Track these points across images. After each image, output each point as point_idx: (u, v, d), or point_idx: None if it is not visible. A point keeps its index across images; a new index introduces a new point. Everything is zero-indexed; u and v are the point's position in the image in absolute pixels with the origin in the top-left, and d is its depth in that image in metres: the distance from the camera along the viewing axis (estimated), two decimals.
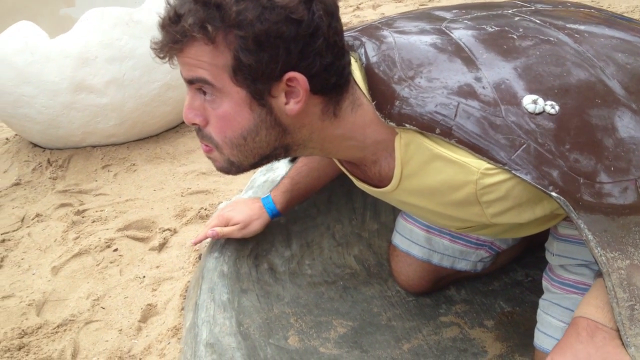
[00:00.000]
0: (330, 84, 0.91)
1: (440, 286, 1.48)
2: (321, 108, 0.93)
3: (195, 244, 1.37)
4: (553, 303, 1.13)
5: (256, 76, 0.86)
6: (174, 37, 0.84)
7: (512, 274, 1.54)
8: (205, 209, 1.96)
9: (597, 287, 0.87)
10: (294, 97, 0.90)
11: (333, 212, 1.59)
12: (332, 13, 0.89)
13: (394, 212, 1.61)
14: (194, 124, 0.94)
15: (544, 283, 1.18)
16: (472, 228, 1.17)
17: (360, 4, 4.95)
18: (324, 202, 1.58)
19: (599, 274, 0.89)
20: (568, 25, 1.03)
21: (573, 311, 1.09)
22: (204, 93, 0.91)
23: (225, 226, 1.35)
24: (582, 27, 1.04)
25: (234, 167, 0.98)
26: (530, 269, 1.54)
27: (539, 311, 1.17)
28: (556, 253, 1.12)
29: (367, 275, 1.53)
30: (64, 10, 2.99)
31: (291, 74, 0.87)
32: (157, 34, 0.89)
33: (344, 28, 0.97)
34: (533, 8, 1.12)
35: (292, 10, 0.83)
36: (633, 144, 0.86)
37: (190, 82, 0.90)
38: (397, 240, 1.46)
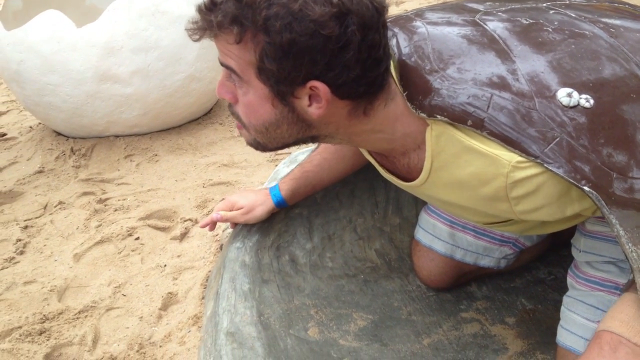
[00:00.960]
0: (359, 92, 0.89)
1: (462, 282, 1.47)
2: (348, 110, 0.92)
3: (203, 227, 1.37)
4: (577, 300, 1.12)
5: (278, 80, 0.85)
6: (208, 24, 0.85)
7: (534, 272, 1.53)
8: None
9: (624, 301, 0.86)
10: (316, 101, 0.88)
11: (355, 206, 1.59)
12: (370, 26, 0.84)
13: (417, 206, 1.61)
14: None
15: (569, 280, 1.17)
16: (500, 224, 1.16)
17: None
18: (346, 195, 1.58)
19: (626, 288, 0.88)
20: (602, 20, 1.02)
21: (598, 309, 1.08)
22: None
23: (230, 210, 1.36)
24: (617, 22, 1.02)
25: (260, 146, 0.99)
26: (554, 267, 1.53)
27: (562, 308, 1.16)
28: (583, 249, 1.11)
29: (388, 269, 1.52)
30: (90, 0, 3.01)
31: (314, 83, 0.85)
32: (188, 20, 0.89)
33: (396, 14, 0.95)
34: (567, 2, 1.11)
35: (322, 25, 0.80)
36: None
37: (222, 65, 0.91)
38: (420, 235, 1.46)
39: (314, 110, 0.89)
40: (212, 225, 1.38)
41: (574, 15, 1.02)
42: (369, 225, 1.59)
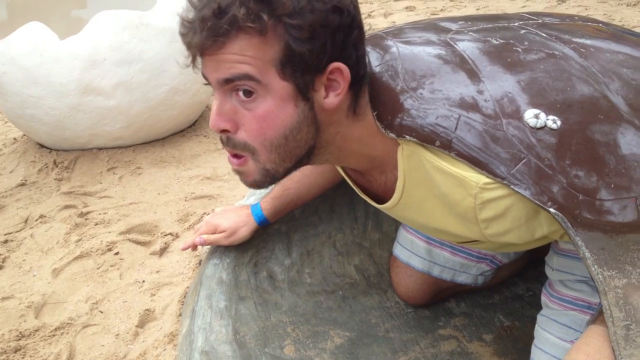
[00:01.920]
0: (360, 76, 0.90)
1: (440, 298, 1.47)
2: (349, 104, 0.92)
3: (184, 249, 1.36)
4: (551, 319, 1.12)
5: (305, 67, 0.84)
6: (217, 31, 0.80)
7: (513, 288, 1.52)
8: (208, 214, 1.96)
9: (590, 334, 0.85)
10: (333, 89, 0.88)
11: (335, 221, 1.59)
12: (358, 6, 0.88)
13: (396, 222, 1.60)
14: (223, 131, 0.89)
15: (543, 298, 1.17)
16: (472, 243, 1.16)
17: (371, 12, 4.97)
18: (325, 210, 1.57)
19: (595, 317, 0.88)
20: (574, 40, 1.02)
21: (571, 328, 1.08)
22: (239, 93, 0.86)
23: (212, 233, 1.35)
24: (588, 42, 1.03)
25: (268, 177, 0.94)
26: (532, 283, 1.53)
27: (536, 327, 1.16)
28: (556, 268, 1.11)
29: (367, 285, 1.52)
30: (75, 11, 3.01)
31: (336, 64, 0.85)
32: (178, 39, 0.86)
33: (369, 32, 0.95)
34: (540, 21, 1.11)
35: (339, 0, 0.83)
36: (635, 161, 0.85)
37: (227, 80, 0.85)
38: (398, 251, 1.45)
39: (331, 100, 0.88)
40: (194, 247, 1.37)
41: (545, 36, 1.02)
42: (349, 241, 1.59)
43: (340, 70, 0.86)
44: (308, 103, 0.87)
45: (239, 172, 0.95)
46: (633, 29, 3.84)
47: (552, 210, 0.81)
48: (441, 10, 4.95)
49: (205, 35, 0.81)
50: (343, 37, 0.84)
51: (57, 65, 2.24)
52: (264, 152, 0.90)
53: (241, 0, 0.79)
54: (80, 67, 2.24)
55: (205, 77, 0.88)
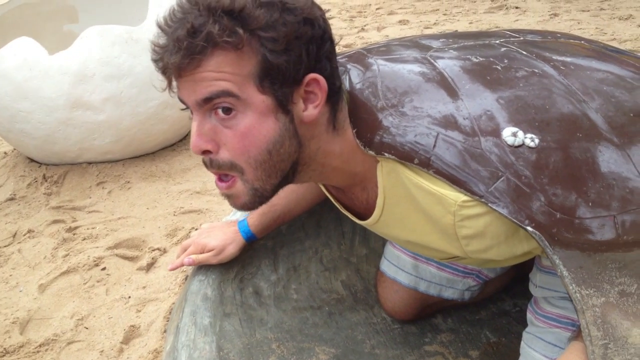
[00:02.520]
0: (336, 88, 0.91)
1: (426, 314, 1.47)
2: (327, 117, 0.92)
3: (172, 270, 1.36)
4: (536, 337, 1.12)
5: (284, 79, 0.84)
6: (193, 50, 0.80)
7: (499, 304, 1.52)
8: (196, 229, 1.95)
9: (571, 350, 0.85)
10: (311, 101, 0.88)
11: (322, 237, 1.58)
12: (327, 19, 0.90)
13: (384, 237, 1.60)
14: (205, 152, 0.89)
15: (529, 315, 1.17)
16: (456, 258, 1.15)
17: (365, 26, 4.99)
18: (312, 226, 1.57)
19: (575, 334, 0.88)
20: (555, 57, 1.02)
21: (556, 346, 1.08)
22: (218, 112, 0.86)
23: (201, 253, 1.34)
24: (569, 60, 1.03)
25: (257, 197, 0.93)
26: (519, 299, 1.53)
27: (522, 344, 1.15)
28: (539, 285, 1.11)
29: (354, 301, 1.51)
30: (67, 26, 3.01)
31: (312, 75, 0.86)
32: (154, 64, 0.86)
33: (351, 49, 0.96)
34: (522, 39, 1.11)
35: (308, 11, 0.84)
36: (613, 179, 0.85)
37: (206, 100, 0.84)
38: (385, 266, 1.45)
39: (310, 112, 0.88)
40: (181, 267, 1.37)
41: (525, 54, 1.02)
42: (335, 256, 1.59)
43: (317, 81, 0.87)
44: (288, 116, 0.88)
45: (227, 196, 0.94)
46: (625, 43, 3.87)
47: (529, 228, 0.81)
48: (434, 24, 4.98)
49: (182, 54, 0.81)
50: (316, 48, 0.86)
51: (46, 80, 2.24)
52: (250, 170, 0.89)
53: (214, 18, 0.80)
54: (70, 81, 2.24)
55: (182, 101, 0.88)
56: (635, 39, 3.93)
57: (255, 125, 0.86)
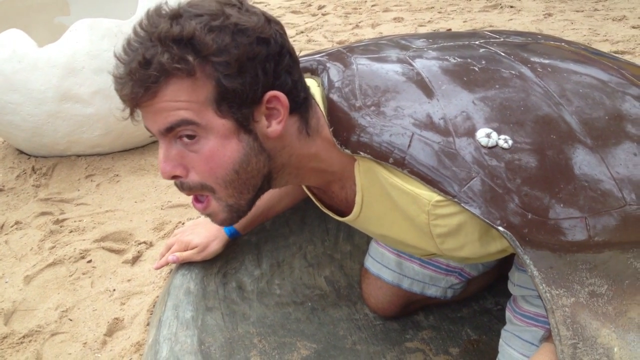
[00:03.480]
0: (301, 99, 0.92)
1: (410, 311, 1.48)
2: (297, 127, 0.94)
3: (157, 269, 1.37)
4: (514, 335, 1.13)
5: (241, 101, 0.85)
6: (147, 80, 0.81)
7: (481, 302, 1.53)
8: (183, 223, 1.96)
9: (542, 351, 0.87)
10: (274, 118, 0.90)
11: (306, 233, 1.59)
12: (285, 33, 0.91)
13: (367, 234, 1.61)
14: (174, 177, 0.91)
15: (507, 314, 1.18)
16: (436, 255, 1.17)
17: (359, 22, 4.98)
18: (297, 222, 1.58)
19: (545, 338, 0.89)
20: (533, 59, 1.03)
21: (533, 344, 1.09)
22: (182, 138, 0.87)
23: (184, 250, 1.35)
24: (547, 62, 1.04)
25: (233, 213, 0.96)
26: (501, 297, 1.54)
27: (500, 342, 1.17)
28: (517, 283, 1.12)
29: (337, 297, 1.52)
30: (58, 18, 3.00)
31: (271, 93, 0.87)
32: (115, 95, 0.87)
33: (332, 47, 0.97)
34: (501, 40, 1.12)
35: (261, 30, 0.85)
36: (585, 181, 0.86)
37: (168, 129, 0.86)
38: (369, 263, 1.46)
39: (274, 128, 0.89)
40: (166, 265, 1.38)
41: (503, 55, 1.03)
42: (319, 253, 1.60)
43: (277, 98, 0.88)
44: (251, 135, 0.89)
45: (207, 215, 0.97)
46: (617, 44, 3.88)
47: (500, 228, 0.82)
48: (429, 21, 4.97)
49: (136, 85, 0.82)
50: (274, 65, 0.86)
51: (35, 72, 2.24)
52: (221, 190, 0.92)
53: (164, 48, 0.81)
54: (59, 74, 2.24)
55: (148, 129, 0.90)
56: (627, 40, 3.94)
57: (218, 149, 0.88)
